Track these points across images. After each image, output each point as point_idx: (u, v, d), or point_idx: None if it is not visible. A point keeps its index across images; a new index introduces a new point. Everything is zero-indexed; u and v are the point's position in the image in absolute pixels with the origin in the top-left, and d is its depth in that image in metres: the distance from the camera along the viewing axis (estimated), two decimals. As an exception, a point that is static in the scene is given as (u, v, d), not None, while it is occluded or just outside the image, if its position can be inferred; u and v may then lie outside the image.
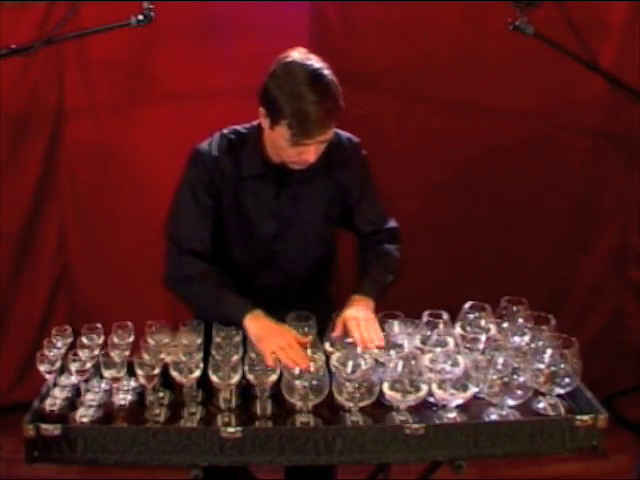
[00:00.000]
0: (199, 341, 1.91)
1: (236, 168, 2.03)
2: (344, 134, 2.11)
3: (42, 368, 1.84)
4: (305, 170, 1.98)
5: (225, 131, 2.08)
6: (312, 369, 1.76)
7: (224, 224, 2.07)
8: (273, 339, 1.84)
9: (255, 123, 2.04)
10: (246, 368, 1.79)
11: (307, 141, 1.85)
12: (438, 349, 1.85)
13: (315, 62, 1.87)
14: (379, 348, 1.84)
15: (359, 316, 1.91)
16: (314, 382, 1.71)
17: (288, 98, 1.81)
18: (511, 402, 1.74)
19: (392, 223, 2.20)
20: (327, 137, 1.89)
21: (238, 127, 2.08)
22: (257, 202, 2.04)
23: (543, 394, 1.79)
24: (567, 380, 1.75)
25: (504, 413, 1.75)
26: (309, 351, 1.84)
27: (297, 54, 1.88)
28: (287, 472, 2.23)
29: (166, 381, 1.84)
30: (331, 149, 2.00)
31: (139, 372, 1.78)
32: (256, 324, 1.90)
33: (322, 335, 1.94)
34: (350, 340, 1.87)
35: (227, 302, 1.96)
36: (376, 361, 1.80)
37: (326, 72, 1.86)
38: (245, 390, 1.85)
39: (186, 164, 2.06)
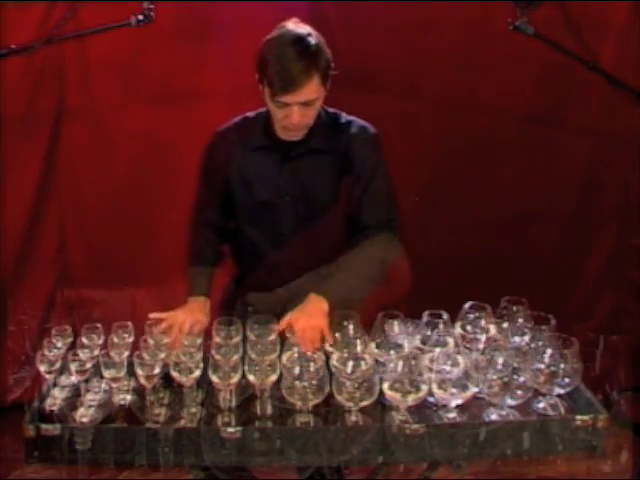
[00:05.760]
0: (199, 341, 1.91)
1: (245, 141, 2.12)
2: (360, 122, 2.14)
3: (42, 368, 1.84)
4: (307, 145, 2.06)
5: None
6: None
7: (232, 198, 2.14)
8: (177, 318, 1.97)
9: None
10: (246, 368, 1.79)
11: (286, 98, 1.92)
12: (438, 349, 1.85)
13: (304, 29, 1.98)
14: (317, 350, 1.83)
15: (307, 322, 1.87)
16: (314, 382, 1.71)
17: (273, 57, 1.94)
18: (511, 402, 1.74)
19: (395, 221, 2.10)
20: (307, 97, 1.94)
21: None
22: (260, 174, 2.11)
23: (543, 394, 1.79)
24: (567, 380, 1.75)
25: (504, 413, 1.74)
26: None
27: (290, 23, 2.01)
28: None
29: (166, 381, 1.85)
30: (334, 130, 2.09)
31: (139, 372, 1.78)
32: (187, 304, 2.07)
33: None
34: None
35: (189, 277, 2.14)
36: (376, 361, 1.80)
37: (311, 37, 1.97)
38: (245, 390, 1.85)
39: None
